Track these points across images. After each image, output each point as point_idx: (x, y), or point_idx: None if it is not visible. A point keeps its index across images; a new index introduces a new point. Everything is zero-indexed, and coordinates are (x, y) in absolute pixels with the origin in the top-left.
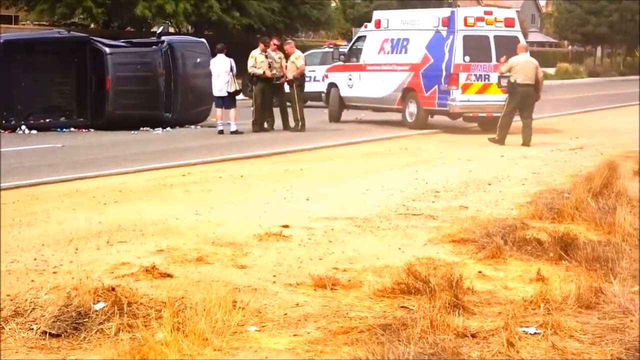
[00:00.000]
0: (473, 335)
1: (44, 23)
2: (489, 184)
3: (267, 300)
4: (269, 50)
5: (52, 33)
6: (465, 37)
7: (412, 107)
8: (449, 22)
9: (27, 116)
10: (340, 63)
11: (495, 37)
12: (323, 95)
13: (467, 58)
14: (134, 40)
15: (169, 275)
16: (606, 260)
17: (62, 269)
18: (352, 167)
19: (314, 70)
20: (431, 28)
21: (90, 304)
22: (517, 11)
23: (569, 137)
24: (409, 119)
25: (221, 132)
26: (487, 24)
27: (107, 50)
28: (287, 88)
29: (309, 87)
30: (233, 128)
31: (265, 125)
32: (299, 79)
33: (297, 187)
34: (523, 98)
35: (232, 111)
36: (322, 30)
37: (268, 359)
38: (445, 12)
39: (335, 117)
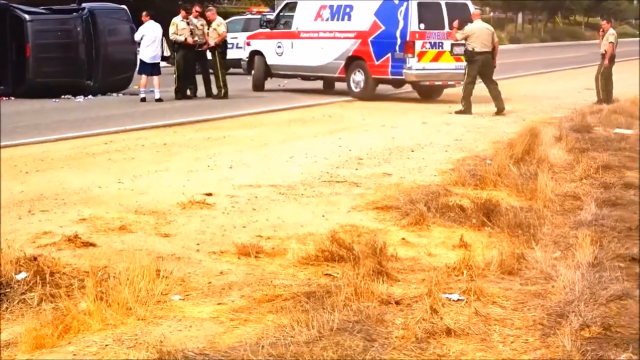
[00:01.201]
0: (397, 302)
1: None
2: (412, 151)
3: (191, 268)
4: (190, 17)
5: None
6: (419, 4)
7: (358, 76)
8: None
9: None
10: (265, 30)
11: (447, 4)
12: (243, 63)
13: (422, 25)
14: (55, 7)
15: (92, 245)
16: (528, 226)
17: None
18: (275, 134)
19: (236, 38)
20: None
21: (12, 274)
22: None
23: (491, 103)
24: (354, 89)
25: (143, 99)
26: None
27: (27, 17)
28: (209, 55)
29: (231, 54)
30: (157, 96)
31: (188, 92)
32: (221, 46)
33: (220, 155)
34: (483, 66)
35: (155, 78)
36: None
37: (192, 327)
38: None
39: (259, 86)
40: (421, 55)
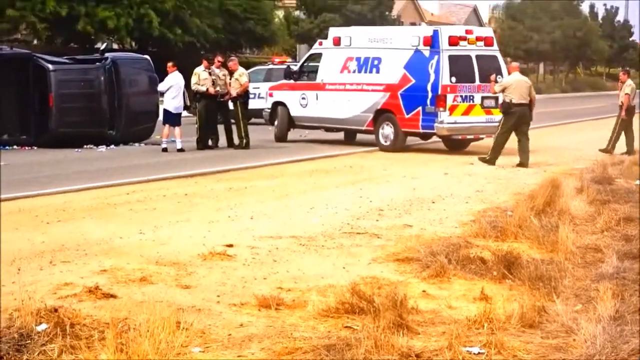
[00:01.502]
0: (417, 356)
1: None
2: (433, 202)
3: (211, 320)
4: (212, 67)
5: None
6: (450, 57)
7: (387, 129)
8: (432, 41)
9: None
10: (289, 81)
11: (477, 56)
12: (265, 113)
13: (454, 79)
14: (78, 57)
15: (113, 296)
16: (549, 278)
17: (4, 290)
18: (296, 185)
19: (258, 88)
20: (409, 47)
21: (32, 325)
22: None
23: (512, 155)
24: (383, 142)
25: (165, 149)
26: (469, 43)
27: (50, 67)
28: (231, 105)
29: (253, 104)
30: (179, 146)
31: (210, 142)
32: (243, 96)
33: (241, 206)
34: (519, 118)
35: (177, 129)
36: (267, 46)
37: None
38: (426, 30)
39: (282, 137)
40: (453, 108)
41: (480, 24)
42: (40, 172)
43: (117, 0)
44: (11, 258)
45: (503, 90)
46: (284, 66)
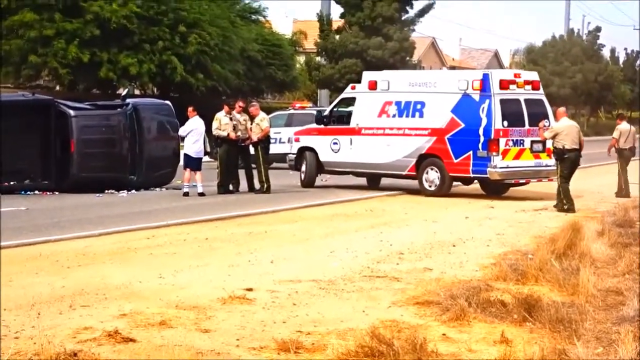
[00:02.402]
0: None
1: (9, 85)
2: (454, 246)
3: None
4: (233, 112)
5: (17, 96)
6: (502, 101)
7: (432, 174)
8: (483, 85)
9: None
10: (318, 126)
11: (526, 100)
12: (289, 159)
13: (505, 123)
14: (99, 103)
15: (132, 340)
16: (570, 321)
17: (24, 334)
18: (317, 229)
19: (279, 132)
20: (457, 91)
21: None
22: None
23: (534, 198)
24: (428, 187)
25: (186, 194)
26: (518, 87)
27: (72, 112)
28: (252, 150)
29: (274, 149)
30: (199, 190)
31: (231, 187)
32: (264, 141)
33: (261, 250)
34: (573, 163)
35: (198, 173)
36: (287, 91)
37: None
38: (475, 74)
39: (311, 183)
40: (505, 153)
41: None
42: (62, 217)
43: (139, 47)
44: (31, 302)
45: (554, 137)
46: (305, 111)
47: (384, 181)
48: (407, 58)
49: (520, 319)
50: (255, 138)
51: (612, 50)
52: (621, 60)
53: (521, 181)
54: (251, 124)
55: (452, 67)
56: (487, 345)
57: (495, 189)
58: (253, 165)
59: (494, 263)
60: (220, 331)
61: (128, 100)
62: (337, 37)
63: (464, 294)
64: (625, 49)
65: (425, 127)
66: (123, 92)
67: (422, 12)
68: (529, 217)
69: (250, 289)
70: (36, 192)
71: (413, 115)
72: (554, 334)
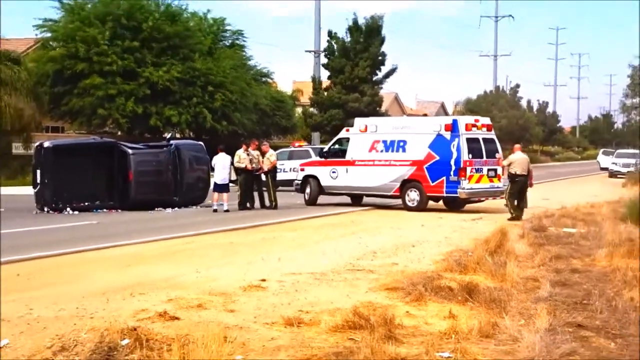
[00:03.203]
0: (403, 359)
1: (83, 132)
2: (413, 246)
3: (250, 335)
4: (249, 149)
5: (88, 139)
6: (467, 139)
7: (413, 194)
8: (452, 128)
9: (71, 201)
10: (319, 159)
11: (483, 139)
12: (295, 184)
13: (470, 155)
14: (150, 144)
15: (177, 318)
16: (500, 301)
17: (97, 315)
18: (312, 235)
19: (283, 164)
20: (431, 132)
21: (118, 340)
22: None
23: (472, 211)
24: (409, 203)
25: (215, 210)
26: (477, 129)
27: (130, 151)
28: (263, 177)
29: (280, 176)
30: (225, 208)
31: (248, 205)
32: (272, 171)
33: (271, 251)
34: (521, 185)
35: (225, 195)
36: (289, 134)
37: None
38: (446, 119)
39: (313, 202)
40: (470, 178)
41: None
42: (123, 228)
43: (179, 102)
44: (102, 291)
45: (509, 165)
46: (302, 148)
47: (364, 200)
48: (377, 109)
49: (463, 299)
50: (265, 168)
51: (528, 101)
52: (535, 108)
53: (482, 199)
54: (262, 158)
55: (410, 115)
56: (439, 319)
57: (455, 205)
58: (264, 189)
59: (443, 259)
60: (242, 311)
61: (171, 142)
62: (326, 93)
63: (421, 282)
64: (538, 100)
65: (407, 160)
66: (167, 135)
67: (388, 75)
68: (468, 225)
69: (263, 280)
70: (104, 210)
71: (397, 150)
72: (488, 310)
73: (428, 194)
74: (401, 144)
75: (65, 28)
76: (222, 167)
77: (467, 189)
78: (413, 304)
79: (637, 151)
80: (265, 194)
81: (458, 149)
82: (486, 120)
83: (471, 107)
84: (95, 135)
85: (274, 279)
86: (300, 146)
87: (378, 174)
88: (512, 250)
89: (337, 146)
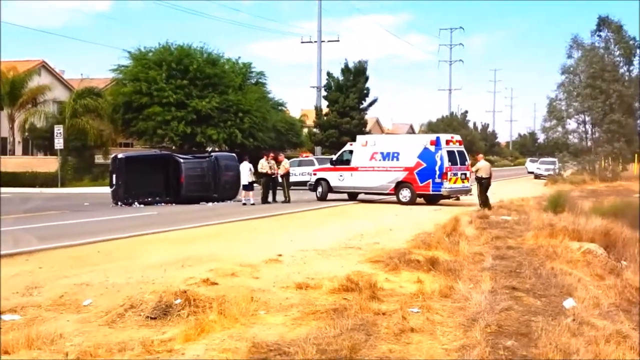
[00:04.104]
0: (383, 313)
1: (147, 146)
2: (391, 230)
3: (270, 296)
4: (269, 159)
5: (151, 151)
6: (447, 152)
7: (405, 192)
8: (436, 143)
9: (138, 197)
10: (328, 166)
11: (457, 151)
12: (309, 184)
13: (449, 163)
14: (196, 155)
15: (216, 283)
16: (455, 270)
17: (157, 281)
18: (315, 222)
19: (294, 170)
20: (420, 146)
21: (172, 300)
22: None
23: (441, 205)
24: (402, 199)
25: (244, 204)
26: (452, 144)
27: (182, 160)
28: (280, 179)
29: (292, 179)
30: (251, 202)
31: (269, 200)
32: (287, 175)
33: (285, 233)
34: (486, 185)
35: (250, 192)
36: (298, 148)
37: (270, 329)
38: (431, 137)
39: (323, 198)
40: (449, 179)
41: (414, 133)
42: (177, 217)
43: (217, 124)
44: (160, 264)
45: (476, 170)
46: (308, 158)
47: (360, 197)
48: (363, 129)
49: (428, 269)
50: (281, 173)
51: (474, 123)
52: (479, 128)
53: (459, 195)
54: (279, 166)
55: (387, 133)
56: (410, 283)
57: (433, 200)
58: (279, 188)
59: (413, 239)
60: (264, 278)
61: (212, 153)
62: (325, 118)
63: (397, 256)
64: (481, 122)
65: (400, 166)
66: (209, 149)
67: (371, 104)
68: (431, 215)
69: (280, 255)
70: (162, 204)
71: (392, 159)
72: (446, 277)
73: (417, 192)
74: (395, 154)
75: (133, 71)
76: (246, 171)
77: (448, 188)
78: (391, 272)
79: (555, 159)
80: (280, 192)
81: (441, 159)
82: (458, 137)
83: (432, 127)
84: (156, 149)
85: (288, 254)
86: (307, 156)
87: (377, 177)
88: (463, 232)
89: (343, 157)
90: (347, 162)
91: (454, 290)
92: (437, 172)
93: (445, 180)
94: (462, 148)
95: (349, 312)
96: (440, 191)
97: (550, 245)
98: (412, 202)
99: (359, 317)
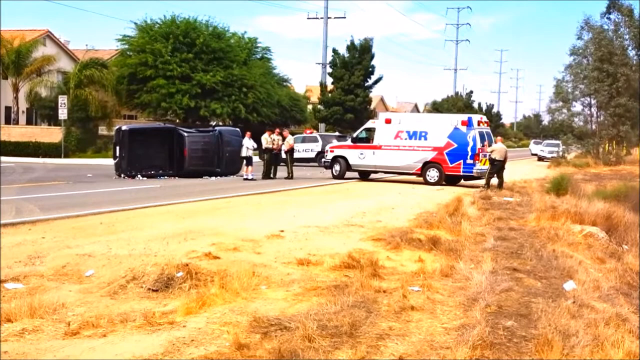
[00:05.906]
0: (384, 291)
1: (150, 119)
2: (393, 209)
3: (272, 271)
4: (273, 134)
5: (155, 124)
6: (479, 132)
7: (432, 172)
8: (468, 123)
9: (141, 170)
10: (347, 142)
11: (485, 132)
12: (324, 161)
13: (480, 144)
14: (200, 129)
15: (218, 258)
16: (456, 250)
17: (159, 253)
18: (318, 198)
19: (297, 146)
20: (449, 126)
21: (174, 273)
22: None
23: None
24: (430, 179)
25: (246, 179)
26: (482, 125)
27: (185, 134)
28: (283, 155)
29: (296, 155)
30: (250, 177)
31: (271, 175)
32: (290, 151)
33: (288, 209)
34: (498, 167)
35: (249, 167)
36: (302, 124)
37: (272, 303)
38: (462, 117)
39: (341, 177)
40: (481, 161)
41: (418, 112)
42: (179, 191)
43: (221, 99)
44: (163, 236)
45: (491, 152)
46: (312, 135)
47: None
48: (367, 107)
49: (429, 248)
50: (285, 149)
51: (479, 104)
52: (484, 109)
53: (485, 174)
54: (283, 141)
55: (392, 111)
56: (411, 262)
57: (453, 181)
58: (282, 164)
59: (415, 218)
60: (266, 253)
61: (216, 128)
62: (330, 94)
63: (398, 235)
64: (486, 103)
65: (429, 146)
66: (213, 123)
67: (376, 82)
68: (433, 194)
69: (282, 230)
70: (165, 177)
71: (419, 139)
72: (448, 256)
73: (446, 173)
74: (423, 134)
75: (138, 42)
76: (248, 147)
77: (478, 169)
78: (392, 251)
79: (559, 142)
80: (281, 169)
81: (474, 140)
82: (485, 118)
83: (437, 107)
84: (160, 122)
85: (290, 230)
86: (310, 133)
87: (403, 156)
88: (466, 212)
89: (363, 134)
90: (367, 140)
91: (455, 270)
92: (470, 153)
93: (477, 161)
94: (488, 129)
95: (349, 289)
96: (471, 172)
97: (552, 228)
98: (439, 182)
99: (359, 294)
